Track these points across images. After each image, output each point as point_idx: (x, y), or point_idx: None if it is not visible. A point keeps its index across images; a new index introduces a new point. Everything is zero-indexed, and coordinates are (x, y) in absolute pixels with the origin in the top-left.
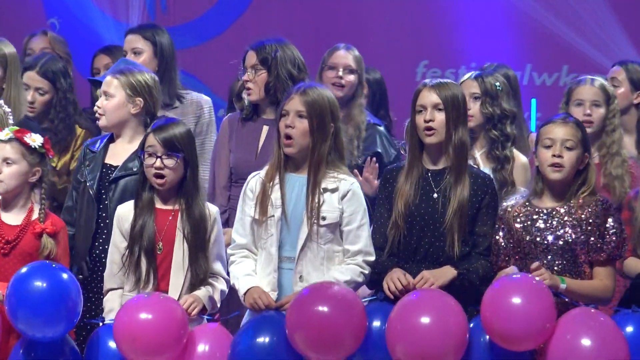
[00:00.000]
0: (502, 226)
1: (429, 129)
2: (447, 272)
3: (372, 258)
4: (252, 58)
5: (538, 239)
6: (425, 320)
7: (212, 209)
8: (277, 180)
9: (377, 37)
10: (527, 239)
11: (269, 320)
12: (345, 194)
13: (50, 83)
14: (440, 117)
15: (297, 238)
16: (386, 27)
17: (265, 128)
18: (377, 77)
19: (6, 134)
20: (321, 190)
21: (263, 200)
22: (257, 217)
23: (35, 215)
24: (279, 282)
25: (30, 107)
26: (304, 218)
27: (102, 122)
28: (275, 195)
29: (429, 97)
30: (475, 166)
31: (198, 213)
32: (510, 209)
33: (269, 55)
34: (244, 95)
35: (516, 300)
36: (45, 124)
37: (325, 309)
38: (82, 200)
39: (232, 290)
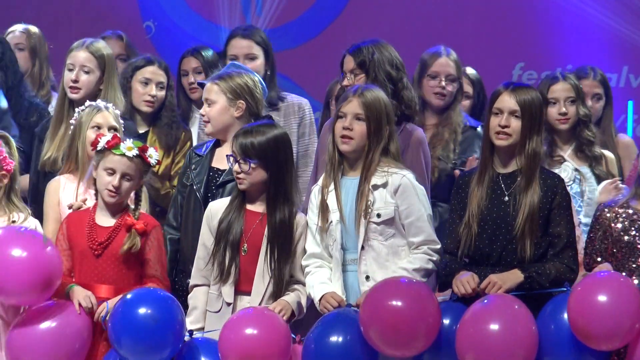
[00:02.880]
0: (597, 227)
1: (503, 133)
2: (515, 276)
3: (438, 246)
4: (349, 63)
5: (638, 239)
6: (494, 327)
7: (301, 218)
8: (332, 185)
9: (473, 38)
10: (626, 239)
11: (342, 317)
12: (397, 188)
13: (168, 80)
14: (516, 123)
15: (357, 239)
16: (482, 29)
17: None
18: (479, 78)
19: (130, 148)
20: (370, 187)
21: (322, 207)
22: (320, 224)
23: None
24: (346, 284)
25: (150, 102)
26: (360, 218)
27: (208, 129)
28: (331, 199)
29: (508, 102)
30: (545, 167)
31: (281, 219)
32: (607, 210)
33: (366, 58)
34: None
35: (603, 298)
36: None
37: (399, 303)
38: (189, 203)
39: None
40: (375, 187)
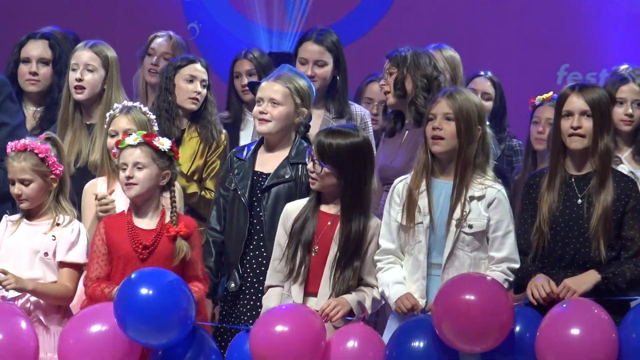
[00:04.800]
0: None
1: (576, 135)
2: (590, 278)
3: (517, 265)
4: (387, 65)
5: None
6: (575, 332)
7: (374, 222)
8: (424, 186)
9: (518, 41)
10: None
11: (421, 323)
12: (491, 201)
13: (208, 78)
14: (587, 124)
15: (444, 245)
16: (527, 30)
17: (406, 133)
18: (499, 80)
19: (134, 138)
20: (467, 198)
21: (410, 206)
22: (404, 223)
23: (167, 219)
24: (427, 288)
25: (196, 99)
26: (451, 226)
27: (265, 128)
28: (423, 202)
29: (577, 103)
30: (618, 170)
31: (356, 230)
32: None
33: (400, 62)
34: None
35: None
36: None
37: (473, 296)
38: (232, 208)
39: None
40: (472, 198)
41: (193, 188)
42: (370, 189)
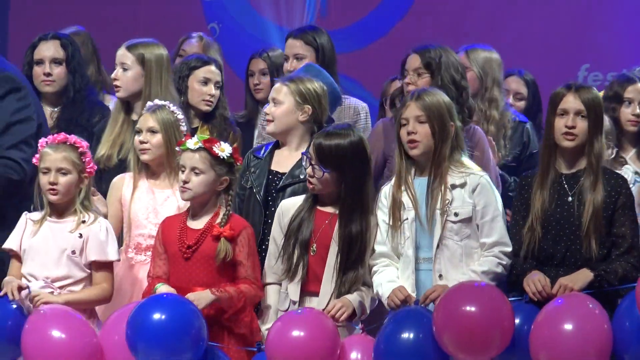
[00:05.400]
0: None
1: (570, 134)
2: (584, 276)
3: (509, 249)
4: (415, 61)
5: None
6: (567, 327)
7: (374, 221)
8: (405, 186)
9: (538, 40)
10: None
11: (413, 315)
12: (475, 187)
13: (222, 79)
14: (582, 124)
15: (432, 238)
16: (547, 30)
17: None
18: (534, 79)
19: (195, 142)
20: (449, 187)
21: (394, 206)
22: (391, 223)
23: (218, 220)
24: (419, 282)
25: (210, 101)
26: (436, 215)
27: (270, 128)
28: (406, 198)
29: (573, 103)
30: (609, 168)
31: (357, 231)
32: None
33: (433, 60)
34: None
35: None
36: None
37: (474, 308)
38: (248, 206)
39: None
40: (454, 186)
41: None
42: (370, 187)
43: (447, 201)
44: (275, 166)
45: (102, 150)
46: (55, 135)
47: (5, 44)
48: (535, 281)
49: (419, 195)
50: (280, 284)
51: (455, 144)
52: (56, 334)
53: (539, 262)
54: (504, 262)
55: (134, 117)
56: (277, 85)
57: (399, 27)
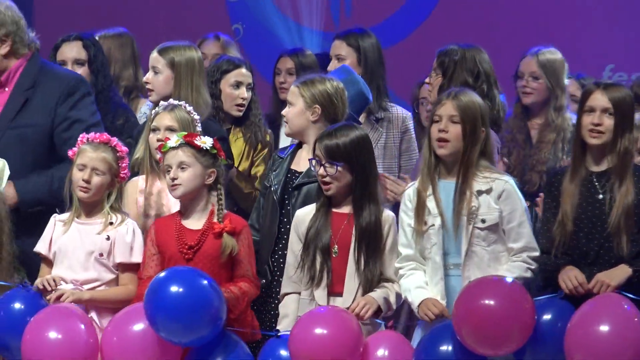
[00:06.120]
0: None
1: (596, 131)
2: (623, 272)
3: (537, 253)
4: (435, 62)
5: None
6: (604, 328)
7: (389, 215)
8: (431, 189)
9: (563, 41)
10: None
11: (450, 329)
12: (500, 193)
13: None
14: (609, 122)
15: (460, 244)
16: (572, 31)
17: None
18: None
19: (176, 140)
20: (475, 193)
21: (419, 209)
22: (416, 227)
23: (215, 218)
24: (448, 289)
25: (242, 105)
26: (462, 222)
27: (286, 130)
28: (432, 204)
29: (600, 100)
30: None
31: (369, 221)
32: None
33: (446, 60)
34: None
35: None
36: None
37: (492, 302)
38: (267, 205)
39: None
40: (480, 192)
41: (248, 188)
42: (377, 181)
43: (473, 207)
44: (295, 165)
45: (137, 153)
46: (98, 134)
47: None
48: (571, 277)
49: (445, 200)
50: (299, 293)
51: (483, 149)
52: (53, 334)
53: (572, 260)
54: (533, 267)
55: None
56: (291, 87)
57: (422, 28)
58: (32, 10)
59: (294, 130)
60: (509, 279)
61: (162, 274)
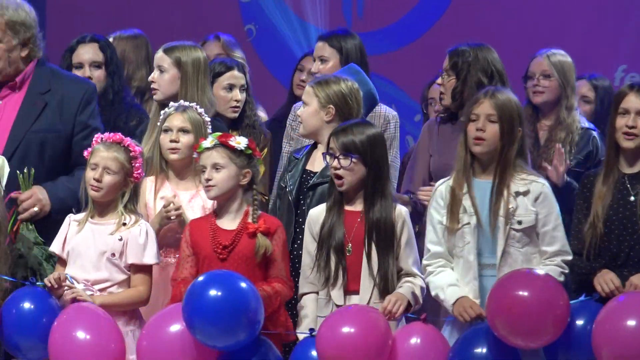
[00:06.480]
0: None
1: (630, 134)
2: None
3: (570, 257)
4: (446, 62)
5: None
6: (631, 323)
7: (401, 210)
8: (466, 187)
9: (576, 41)
10: None
11: (486, 332)
12: (537, 196)
13: (246, 79)
14: None
15: (495, 244)
16: (584, 32)
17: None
18: (606, 85)
19: (211, 141)
20: (513, 194)
21: (454, 207)
22: (449, 225)
23: (250, 219)
24: (483, 289)
25: (236, 107)
26: (499, 223)
27: (300, 130)
28: (468, 202)
29: (635, 103)
30: None
31: (379, 216)
32: None
33: (459, 61)
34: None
35: None
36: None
37: (526, 292)
38: (283, 205)
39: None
40: (517, 194)
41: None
42: (389, 178)
43: (511, 208)
44: (310, 166)
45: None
46: (112, 134)
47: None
48: (607, 280)
49: (480, 199)
50: (317, 292)
51: (520, 149)
52: (81, 334)
53: (603, 262)
54: (566, 271)
55: None
56: (306, 87)
57: (435, 29)
58: (45, 11)
59: (309, 130)
60: (542, 272)
61: (201, 278)
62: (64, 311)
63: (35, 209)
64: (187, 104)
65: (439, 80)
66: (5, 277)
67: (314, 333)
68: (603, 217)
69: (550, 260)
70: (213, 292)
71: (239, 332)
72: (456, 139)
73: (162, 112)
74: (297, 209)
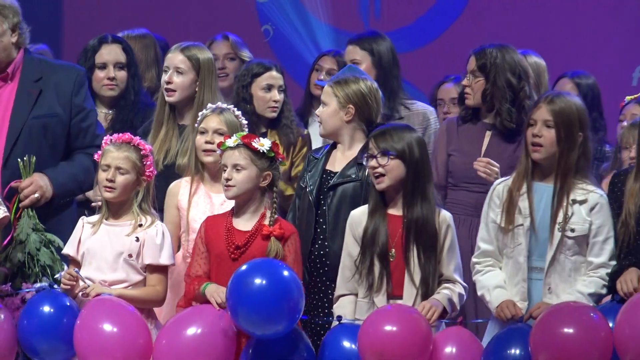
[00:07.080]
0: None
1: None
2: None
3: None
4: (472, 63)
5: None
6: None
7: (445, 215)
8: (524, 189)
9: (592, 41)
10: None
11: (519, 333)
12: (594, 206)
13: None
14: None
15: (545, 248)
16: (601, 32)
17: (488, 133)
18: (590, 82)
19: (234, 140)
20: (570, 201)
21: (510, 208)
22: (503, 224)
23: (266, 221)
24: (529, 293)
25: (275, 107)
26: (554, 230)
27: (320, 130)
28: (524, 204)
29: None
30: None
31: (418, 218)
32: None
33: (487, 62)
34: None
35: None
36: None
37: (571, 330)
38: (303, 205)
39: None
40: (574, 202)
41: (290, 190)
42: (431, 182)
43: (567, 216)
44: (330, 166)
45: (183, 157)
46: (120, 134)
47: (60, 44)
48: (627, 280)
49: (537, 202)
50: (355, 294)
51: (582, 153)
52: (108, 327)
53: (635, 261)
54: (609, 285)
55: (182, 121)
56: (325, 86)
57: (452, 29)
58: (62, 10)
59: (328, 130)
60: (590, 307)
61: (244, 267)
62: (86, 305)
63: (36, 195)
64: (224, 105)
65: (465, 82)
66: (26, 290)
67: (343, 320)
68: (635, 215)
69: (594, 272)
70: (258, 281)
71: (281, 321)
72: (479, 138)
73: (200, 113)
74: (317, 209)
